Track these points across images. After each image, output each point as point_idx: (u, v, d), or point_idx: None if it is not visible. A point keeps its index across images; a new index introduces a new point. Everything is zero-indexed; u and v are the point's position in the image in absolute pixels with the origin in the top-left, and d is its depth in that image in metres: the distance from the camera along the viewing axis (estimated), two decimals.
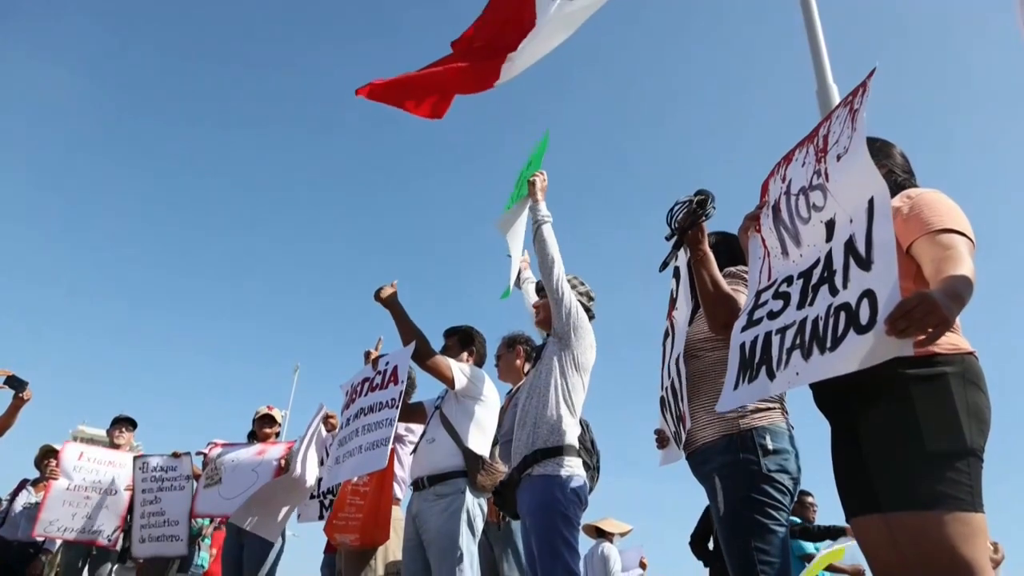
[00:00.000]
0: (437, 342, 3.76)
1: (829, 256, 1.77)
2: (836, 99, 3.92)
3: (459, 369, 3.52)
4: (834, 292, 1.69)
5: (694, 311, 2.64)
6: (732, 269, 2.56)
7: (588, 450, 3.71)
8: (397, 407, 3.31)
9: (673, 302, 2.73)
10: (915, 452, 1.68)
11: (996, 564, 5.22)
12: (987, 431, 1.72)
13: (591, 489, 3.61)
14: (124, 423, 6.32)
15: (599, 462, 3.71)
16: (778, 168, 2.14)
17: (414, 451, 3.71)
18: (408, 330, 3.49)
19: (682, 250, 2.49)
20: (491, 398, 3.60)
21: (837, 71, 3.37)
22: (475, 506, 3.35)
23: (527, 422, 3.08)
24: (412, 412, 3.84)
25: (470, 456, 3.36)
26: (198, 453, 5.66)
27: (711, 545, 5.41)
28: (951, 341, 1.76)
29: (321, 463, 4.84)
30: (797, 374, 1.73)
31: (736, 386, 1.98)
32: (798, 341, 1.76)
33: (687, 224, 2.33)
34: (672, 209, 2.38)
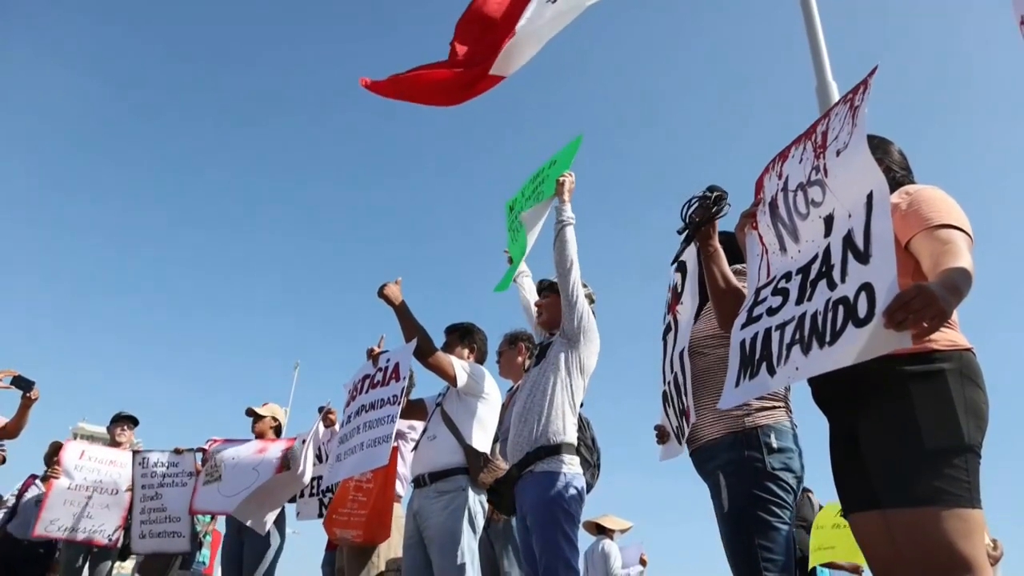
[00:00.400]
0: (438, 339, 3.76)
1: (828, 251, 1.77)
2: (835, 96, 3.91)
3: (461, 367, 3.52)
4: (832, 286, 1.70)
5: (700, 308, 2.65)
6: (738, 267, 2.58)
7: (589, 447, 3.72)
8: (398, 404, 3.32)
9: (677, 296, 2.73)
10: (913, 449, 1.69)
11: (995, 561, 5.23)
12: (985, 427, 1.73)
13: (592, 486, 3.62)
14: (125, 421, 6.32)
15: (599, 459, 3.72)
16: (773, 165, 2.14)
17: (415, 448, 3.71)
18: (411, 327, 3.50)
19: (691, 245, 2.51)
20: (493, 395, 3.61)
21: (836, 68, 3.37)
22: (476, 503, 3.36)
23: (529, 419, 3.09)
24: (412, 409, 3.85)
25: (471, 453, 3.37)
26: (198, 450, 5.66)
27: None
28: (949, 338, 1.77)
29: (319, 460, 4.85)
30: (797, 369, 1.74)
31: (737, 383, 1.99)
32: (797, 336, 1.76)
33: (701, 219, 2.35)
34: (688, 203, 2.40)
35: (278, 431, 5.61)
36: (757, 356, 1.91)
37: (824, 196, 1.86)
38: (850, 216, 1.72)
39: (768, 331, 1.90)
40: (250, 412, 5.60)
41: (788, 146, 2.09)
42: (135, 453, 5.84)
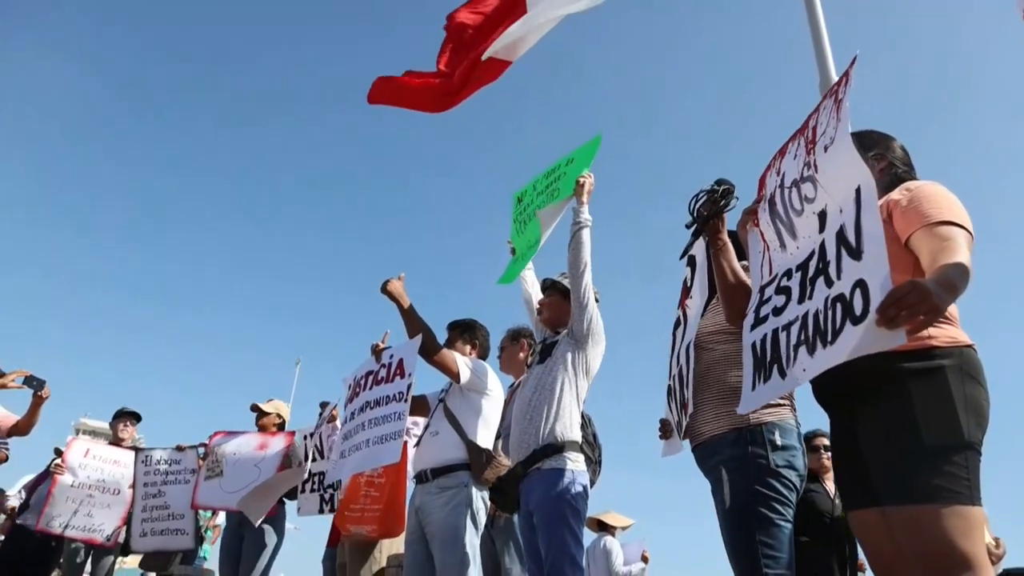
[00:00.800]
0: (440, 335, 3.76)
1: (823, 247, 1.78)
2: (848, 93, 3.90)
3: (464, 363, 3.52)
4: (829, 283, 1.70)
5: (707, 302, 2.65)
6: (744, 263, 2.58)
7: (591, 444, 3.72)
8: (406, 400, 3.31)
9: (687, 291, 2.73)
10: (913, 446, 1.69)
11: (998, 559, 5.21)
12: (985, 424, 1.73)
13: (593, 483, 3.62)
14: (128, 417, 6.34)
15: (601, 456, 3.72)
16: (774, 162, 2.15)
17: (417, 444, 3.71)
18: (414, 323, 3.49)
19: (700, 239, 2.51)
20: (496, 392, 3.61)
21: (840, 64, 3.36)
22: (478, 499, 3.36)
23: (536, 416, 3.09)
24: (414, 405, 3.83)
25: (474, 449, 3.37)
26: (201, 444, 5.68)
27: None
28: (949, 334, 1.77)
29: (319, 455, 4.86)
30: (804, 370, 1.75)
31: (754, 387, 1.99)
32: (802, 337, 1.77)
33: (709, 213, 2.35)
34: (695, 196, 2.40)
35: (281, 428, 5.63)
36: (768, 358, 1.92)
37: (816, 192, 1.87)
38: (841, 211, 1.73)
39: (776, 332, 1.91)
40: (255, 408, 5.62)
41: (786, 142, 2.10)
42: (138, 451, 5.87)
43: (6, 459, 5.58)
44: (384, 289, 3.52)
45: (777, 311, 1.93)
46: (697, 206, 2.40)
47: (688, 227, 2.45)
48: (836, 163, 1.79)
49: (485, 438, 3.47)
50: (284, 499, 5.10)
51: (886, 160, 2.08)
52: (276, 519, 5.10)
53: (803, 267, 1.86)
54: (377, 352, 3.63)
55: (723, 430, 2.39)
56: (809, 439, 3.95)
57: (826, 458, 4.10)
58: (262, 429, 5.52)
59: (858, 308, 1.56)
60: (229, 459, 5.26)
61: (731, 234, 2.62)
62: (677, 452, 2.72)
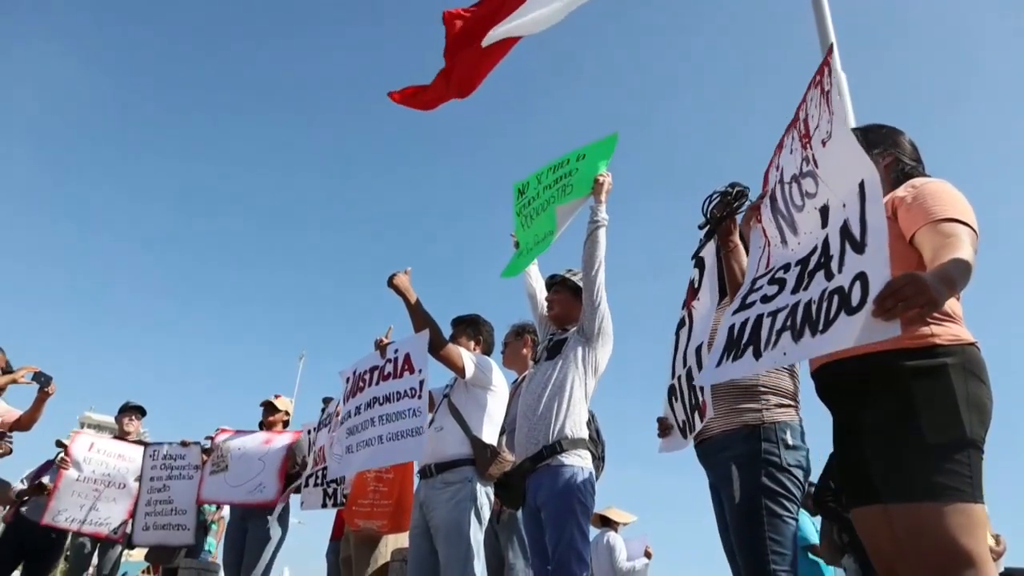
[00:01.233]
0: (444, 331, 3.76)
1: (826, 242, 1.78)
2: (844, 86, 3.89)
3: (470, 358, 3.53)
4: (829, 277, 1.71)
5: (719, 303, 2.67)
6: None
7: (594, 440, 3.73)
8: (420, 396, 3.31)
9: (694, 292, 2.74)
10: (915, 443, 1.69)
11: (998, 557, 5.21)
12: (988, 422, 1.73)
13: (596, 479, 3.63)
14: (133, 411, 6.37)
15: (604, 452, 3.73)
16: (774, 157, 2.15)
17: None
18: (420, 318, 3.49)
19: (712, 240, 2.53)
20: (500, 388, 3.61)
21: (845, 59, 3.36)
22: (482, 495, 3.37)
23: (546, 413, 3.11)
24: None
25: (478, 445, 3.38)
26: (206, 438, 5.70)
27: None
28: (952, 332, 1.77)
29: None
30: (784, 354, 1.76)
31: (719, 363, 2.01)
32: (789, 323, 1.77)
33: (722, 214, 2.36)
34: (709, 198, 2.41)
35: (286, 425, 5.65)
36: (744, 340, 1.93)
37: (817, 187, 1.87)
38: (844, 206, 1.73)
39: (760, 317, 1.92)
40: (267, 404, 5.63)
41: (782, 137, 2.10)
42: (146, 445, 5.90)
43: (10, 452, 5.61)
44: (391, 283, 3.51)
45: (766, 299, 1.94)
46: (710, 207, 2.42)
47: (700, 228, 2.46)
48: (837, 158, 1.79)
49: (489, 434, 3.47)
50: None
51: (892, 156, 2.08)
52: (280, 514, 5.12)
53: (803, 261, 1.86)
54: (382, 348, 3.62)
55: (735, 426, 2.41)
56: None
57: None
58: (269, 426, 5.54)
59: (855, 299, 1.56)
60: (234, 454, 5.28)
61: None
62: (678, 449, 2.74)
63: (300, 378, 22.02)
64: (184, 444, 5.80)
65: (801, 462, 2.37)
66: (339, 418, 3.89)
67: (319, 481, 4.91)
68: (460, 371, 3.47)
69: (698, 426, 2.53)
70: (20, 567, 5.78)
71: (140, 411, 6.43)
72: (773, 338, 1.82)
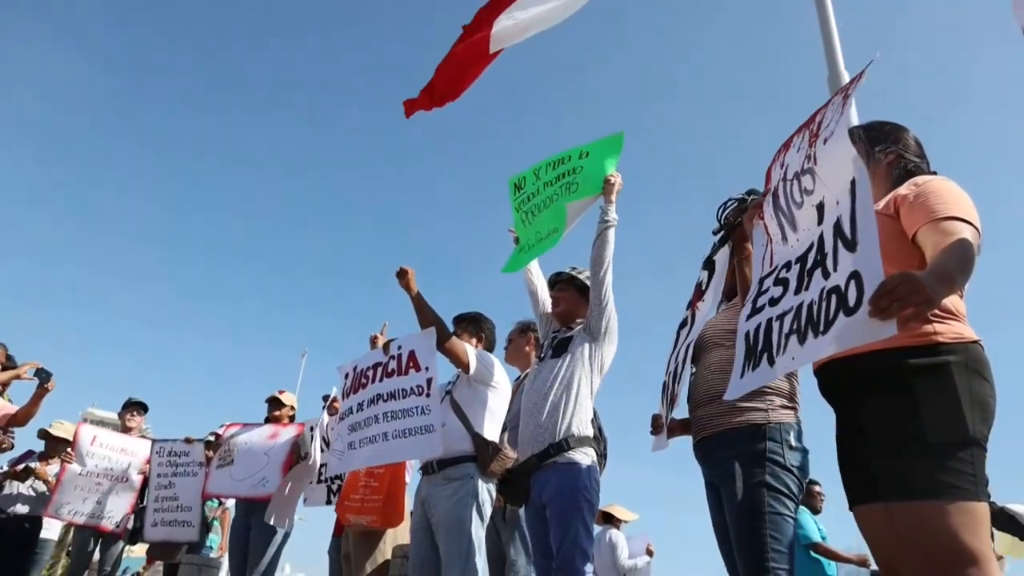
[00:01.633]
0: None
1: (821, 239, 1.79)
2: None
3: (474, 354, 3.54)
4: (826, 275, 1.71)
5: (720, 302, 2.70)
6: None
7: (596, 438, 3.73)
8: (428, 394, 3.31)
9: (700, 294, 2.75)
10: (918, 442, 1.69)
11: (1000, 557, 5.21)
12: (991, 420, 1.72)
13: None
14: (136, 407, 6.39)
15: (606, 449, 3.73)
16: (779, 155, 2.16)
17: None
18: (426, 313, 3.49)
19: (725, 246, 2.55)
20: (502, 384, 3.62)
21: (849, 59, 3.36)
22: (484, 491, 3.38)
23: (553, 410, 3.12)
24: None
25: (480, 442, 3.38)
26: (211, 433, 5.72)
27: None
28: (955, 330, 1.76)
29: (326, 445, 4.88)
30: (793, 358, 1.76)
31: (743, 374, 2.02)
32: (795, 326, 1.78)
33: (737, 221, 2.38)
34: (724, 204, 2.43)
35: (291, 420, 5.67)
36: (760, 347, 1.94)
37: (815, 184, 1.88)
38: (838, 203, 1.74)
39: (770, 321, 1.92)
40: (272, 400, 5.64)
41: (791, 135, 2.10)
42: (153, 442, 5.92)
43: (11, 447, 5.63)
44: (401, 276, 3.51)
45: (773, 301, 1.95)
46: (725, 213, 2.43)
47: (715, 233, 2.48)
48: (834, 156, 1.79)
49: (491, 430, 3.48)
50: None
51: (895, 153, 2.07)
52: None
53: (802, 259, 1.87)
54: (385, 345, 3.63)
55: (740, 425, 2.43)
56: None
57: None
58: (275, 421, 5.55)
59: (852, 300, 1.56)
60: (240, 448, 5.30)
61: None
62: (666, 448, 2.76)
63: (302, 375, 22.05)
64: (188, 441, 5.82)
65: (802, 463, 2.39)
66: (339, 414, 3.90)
67: (323, 477, 4.92)
68: (464, 366, 3.48)
69: (669, 418, 2.60)
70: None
71: (142, 407, 6.45)
72: (783, 342, 1.82)
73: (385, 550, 4.38)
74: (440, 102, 4.68)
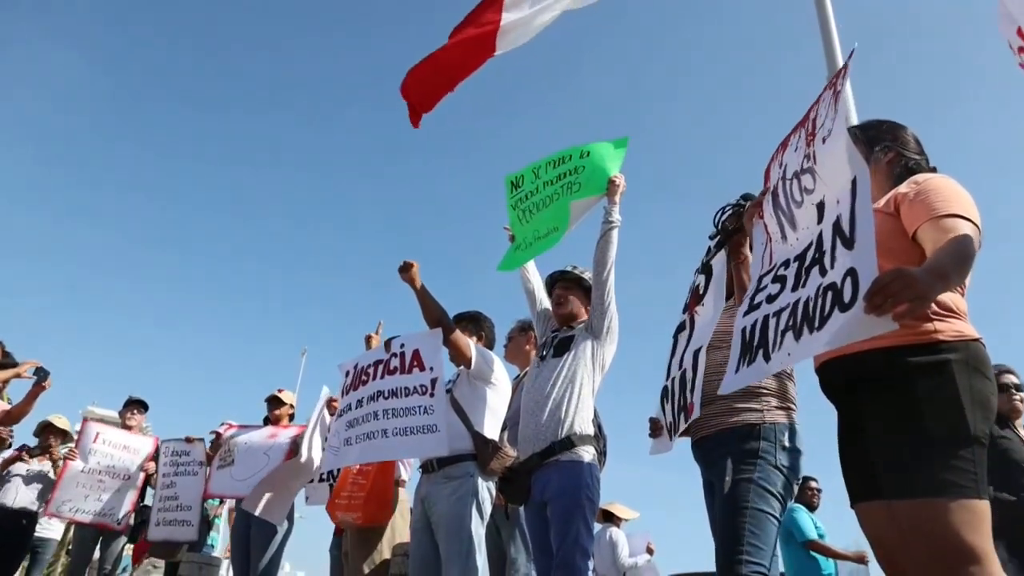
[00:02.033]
0: None
1: (820, 238, 1.79)
2: (847, 86, 3.90)
3: (477, 349, 3.54)
4: (823, 273, 1.72)
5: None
6: None
7: (596, 436, 3.74)
8: (433, 395, 3.31)
9: (698, 298, 2.76)
10: (919, 440, 1.69)
11: None
12: (992, 418, 1.72)
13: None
14: (136, 405, 6.40)
15: (606, 446, 3.74)
16: (777, 154, 2.17)
17: None
18: (431, 307, 3.49)
19: (721, 251, 2.57)
20: (502, 383, 3.61)
21: (845, 55, 3.36)
22: (484, 490, 3.37)
23: (555, 409, 3.13)
24: None
25: (480, 440, 3.38)
26: (212, 432, 5.72)
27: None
28: (956, 328, 1.76)
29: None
30: (789, 355, 1.77)
31: (737, 369, 2.04)
32: (791, 323, 1.79)
33: (733, 227, 2.38)
34: (722, 210, 2.44)
35: (291, 418, 5.67)
36: (756, 343, 1.95)
37: (815, 183, 1.89)
38: (838, 202, 1.74)
39: (766, 318, 1.94)
40: (272, 399, 5.64)
41: (788, 134, 2.11)
42: (161, 443, 5.94)
43: (9, 446, 5.64)
44: (406, 269, 3.49)
45: (771, 298, 1.96)
46: (722, 219, 2.44)
47: (711, 238, 2.49)
48: (834, 154, 1.80)
49: (492, 429, 3.48)
50: None
51: (894, 152, 2.07)
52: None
53: (801, 257, 1.88)
54: (386, 342, 3.62)
55: (737, 425, 2.44)
56: (998, 376, 3.70)
57: (1018, 399, 3.79)
58: (275, 420, 5.55)
59: (847, 296, 1.57)
60: (240, 447, 5.30)
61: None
62: (666, 451, 2.78)
63: (302, 373, 22.06)
64: (188, 440, 5.83)
65: (794, 464, 2.40)
66: (337, 411, 3.88)
67: (325, 476, 4.92)
68: (467, 361, 3.48)
69: (682, 426, 2.58)
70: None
71: (143, 405, 6.46)
72: (778, 339, 1.83)
73: (383, 549, 4.38)
74: (432, 100, 4.66)
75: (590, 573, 2.95)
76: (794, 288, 1.84)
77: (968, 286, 1.85)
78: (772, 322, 1.89)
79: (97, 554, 6.01)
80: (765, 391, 2.46)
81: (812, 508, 6.11)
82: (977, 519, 1.62)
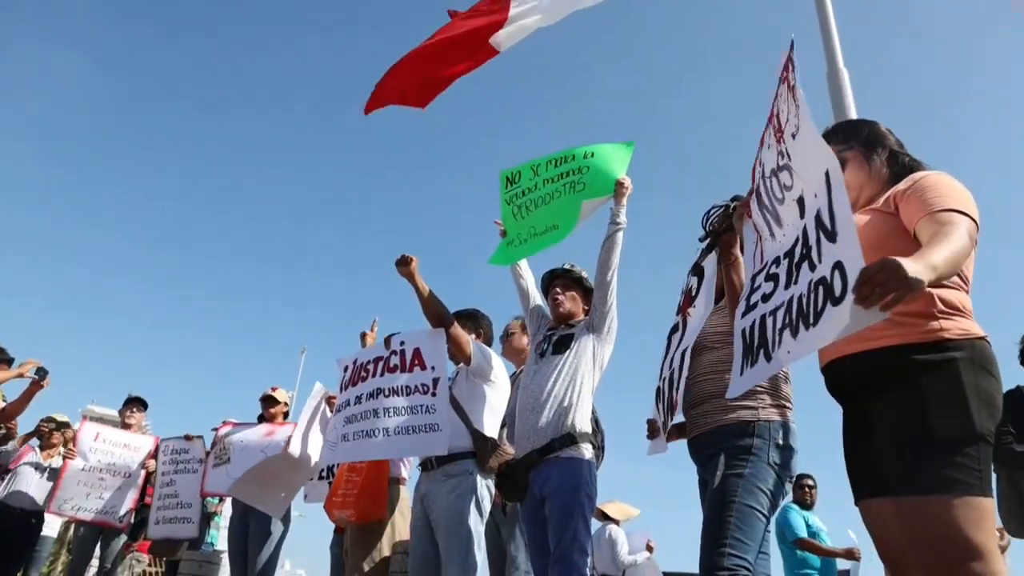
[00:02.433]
0: None
1: (805, 233, 1.80)
2: (846, 82, 3.90)
3: (477, 346, 3.54)
4: (813, 268, 1.72)
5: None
6: None
7: (593, 430, 3.74)
8: (433, 394, 3.30)
9: (690, 299, 2.77)
10: (925, 437, 1.69)
11: (1003, 550, 5.22)
12: (998, 416, 1.72)
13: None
14: (136, 403, 6.41)
15: (604, 442, 3.74)
16: (758, 152, 2.17)
17: None
18: (431, 303, 3.48)
19: (712, 253, 2.56)
20: (501, 380, 3.61)
21: (848, 55, 3.36)
22: (483, 487, 3.38)
23: (556, 405, 3.13)
24: None
25: (479, 437, 3.38)
26: (212, 430, 5.73)
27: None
28: (962, 327, 1.76)
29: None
30: (788, 352, 1.77)
31: (742, 371, 2.03)
32: (787, 320, 1.79)
33: (722, 228, 2.38)
34: (708, 212, 2.45)
35: (286, 416, 5.67)
36: (756, 343, 1.95)
37: (792, 179, 1.90)
38: (816, 196, 1.75)
39: (763, 317, 1.94)
40: (266, 398, 5.64)
41: (763, 133, 2.11)
42: (161, 441, 5.95)
43: (14, 437, 5.66)
44: (402, 263, 3.47)
45: (766, 297, 1.97)
46: (710, 220, 2.44)
47: (701, 240, 2.50)
48: (805, 149, 1.81)
49: (491, 426, 3.48)
50: None
51: (888, 150, 2.08)
52: None
53: (790, 254, 1.88)
54: (386, 339, 3.62)
55: (731, 422, 2.44)
56: None
57: None
58: (270, 419, 5.56)
59: (837, 289, 1.57)
60: (236, 446, 5.30)
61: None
62: (662, 451, 2.81)
63: (302, 372, 22.09)
64: (188, 438, 5.83)
65: (787, 462, 2.40)
66: (336, 406, 3.87)
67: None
68: (466, 356, 3.48)
69: (669, 425, 2.62)
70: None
71: (142, 404, 6.47)
72: (777, 338, 1.83)
73: (384, 547, 4.38)
74: (419, 97, 4.64)
75: (587, 570, 2.95)
76: (787, 286, 1.85)
77: (971, 282, 1.85)
78: (770, 321, 1.89)
79: (98, 551, 6.02)
80: (759, 389, 2.45)
81: (807, 506, 6.11)
82: (981, 516, 1.63)
